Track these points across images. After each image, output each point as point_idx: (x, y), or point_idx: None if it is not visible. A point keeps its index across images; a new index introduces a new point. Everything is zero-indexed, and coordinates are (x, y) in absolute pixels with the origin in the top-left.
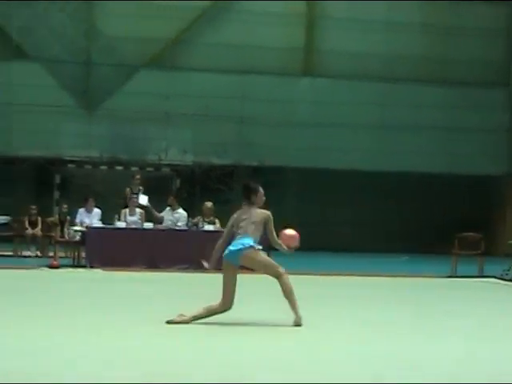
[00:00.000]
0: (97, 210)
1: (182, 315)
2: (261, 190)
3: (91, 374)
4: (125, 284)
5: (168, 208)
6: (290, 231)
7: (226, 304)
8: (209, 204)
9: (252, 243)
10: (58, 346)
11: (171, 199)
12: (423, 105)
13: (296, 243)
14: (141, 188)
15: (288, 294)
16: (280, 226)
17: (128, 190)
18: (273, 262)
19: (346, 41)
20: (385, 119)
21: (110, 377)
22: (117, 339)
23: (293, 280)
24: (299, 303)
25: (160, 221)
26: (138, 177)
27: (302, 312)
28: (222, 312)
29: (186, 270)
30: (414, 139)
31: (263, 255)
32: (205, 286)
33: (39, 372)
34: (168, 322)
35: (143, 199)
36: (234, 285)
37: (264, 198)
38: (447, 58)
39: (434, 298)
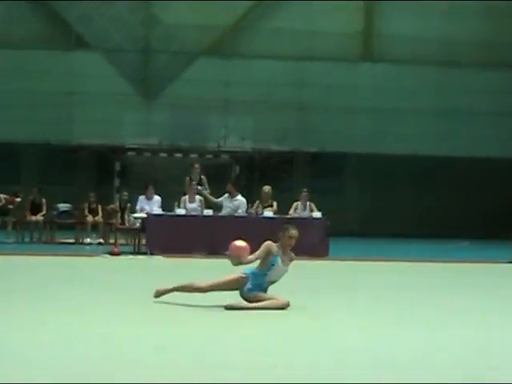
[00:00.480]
0: (157, 197)
1: (240, 302)
2: (291, 232)
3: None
4: (182, 270)
5: (226, 195)
6: (240, 242)
7: (284, 302)
8: (266, 188)
9: (247, 270)
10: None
11: (230, 186)
12: (484, 89)
13: (245, 254)
14: (203, 177)
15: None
16: (340, 209)
17: (188, 179)
18: (221, 280)
19: (406, 25)
20: (445, 104)
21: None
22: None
23: (351, 266)
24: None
25: (219, 206)
26: (197, 166)
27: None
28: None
29: None
30: (475, 124)
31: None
32: None
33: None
34: (226, 308)
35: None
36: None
37: (291, 243)
38: (509, 42)
39: (492, 284)
